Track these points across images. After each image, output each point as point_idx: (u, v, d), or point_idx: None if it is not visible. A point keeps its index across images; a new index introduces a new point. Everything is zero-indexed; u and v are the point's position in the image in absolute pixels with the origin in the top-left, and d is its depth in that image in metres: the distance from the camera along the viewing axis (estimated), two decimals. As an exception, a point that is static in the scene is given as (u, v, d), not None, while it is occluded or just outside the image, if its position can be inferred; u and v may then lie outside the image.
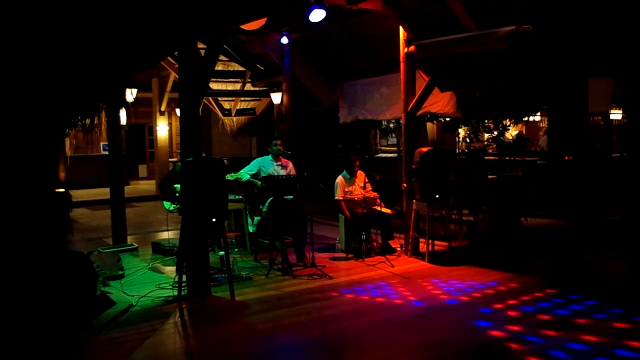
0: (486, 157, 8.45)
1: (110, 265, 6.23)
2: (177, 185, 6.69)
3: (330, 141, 12.14)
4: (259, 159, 7.27)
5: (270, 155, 7.15)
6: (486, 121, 8.29)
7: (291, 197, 6.78)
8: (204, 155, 6.23)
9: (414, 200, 6.81)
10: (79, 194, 13.47)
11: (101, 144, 16.79)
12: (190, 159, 5.23)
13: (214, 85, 13.50)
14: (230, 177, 6.86)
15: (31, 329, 3.91)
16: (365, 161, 7.43)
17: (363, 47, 9.67)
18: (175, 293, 5.35)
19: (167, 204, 7.03)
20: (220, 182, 5.28)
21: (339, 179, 7.16)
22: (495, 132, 8.18)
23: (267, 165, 7.08)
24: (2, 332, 3.74)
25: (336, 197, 7.07)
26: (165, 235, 8.07)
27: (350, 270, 6.37)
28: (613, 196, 8.77)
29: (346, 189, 7.12)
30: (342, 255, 7.00)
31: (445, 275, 6.06)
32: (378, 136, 12.96)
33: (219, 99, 14.41)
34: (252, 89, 13.52)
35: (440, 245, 7.07)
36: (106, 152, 12.81)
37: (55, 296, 4.19)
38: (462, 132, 10.03)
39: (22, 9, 3.87)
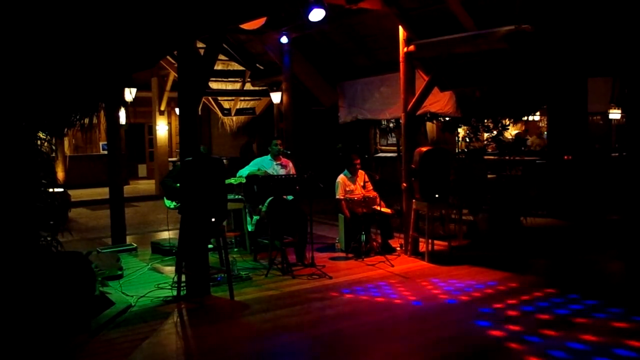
0: (486, 157, 8.45)
1: (109, 265, 6.22)
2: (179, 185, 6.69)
3: (330, 141, 12.14)
4: (258, 159, 7.26)
5: (269, 155, 7.15)
6: (486, 121, 8.29)
7: (291, 197, 6.77)
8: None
9: (414, 200, 6.80)
10: (78, 194, 13.45)
11: (100, 143, 16.78)
12: (190, 158, 5.22)
13: (213, 85, 13.49)
14: (234, 181, 6.86)
15: (27, 329, 3.90)
16: (365, 161, 7.42)
17: (363, 47, 9.66)
18: (175, 293, 5.34)
19: (167, 202, 7.03)
20: (219, 181, 5.27)
21: (341, 177, 7.16)
22: (495, 132, 8.18)
23: (266, 164, 7.07)
24: None
25: (337, 196, 7.07)
26: (164, 235, 8.06)
27: (350, 270, 6.37)
28: (612, 196, 8.78)
29: (347, 188, 7.11)
30: (342, 255, 7.00)
31: (445, 274, 6.06)
32: (378, 136, 12.97)
33: (219, 98, 14.40)
34: (252, 88, 13.52)
35: (440, 244, 7.06)
36: (105, 152, 12.82)
37: (52, 296, 4.18)
38: (461, 131, 10.04)
39: (22, 8, 3.87)
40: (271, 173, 6.88)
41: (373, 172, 8.13)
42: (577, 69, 7.72)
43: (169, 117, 17.12)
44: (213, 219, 5.18)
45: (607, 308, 4.83)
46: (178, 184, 6.71)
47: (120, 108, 9.81)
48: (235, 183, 6.94)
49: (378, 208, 6.95)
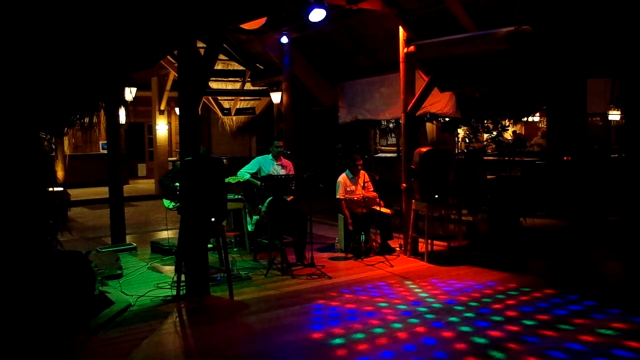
0: (485, 157, 8.46)
1: (109, 264, 6.22)
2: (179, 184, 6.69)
3: (330, 141, 12.15)
4: (260, 157, 7.26)
5: (270, 155, 7.15)
6: (485, 121, 8.30)
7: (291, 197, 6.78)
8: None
9: (413, 200, 6.81)
10: (77, 193, 13.46)
11: (100, 142, 16.79)
12: (190, 158, 5.23)
13: (213, 85, 13.49)
14: (232, 179, 6.87)
15: (27, 328, 3.91)
16: (365, 161, 7.43)
17: (363, 47, 9.67)
18: (174, 293, 5.35)
19: (166, 202, 7.03)
20: (219, 181, 5.27)
21: (342, 177, 7.16)
22: (495, 133, 8.19)
23: (267, 164, 7.08)
24: None
25: (338, 196, 7.07)
26: (164, 234, 8.07)
27: (349, 270, 6.37)
28: (611, 196, 8.79)
29: (348, 188, 7.12)
30: (342, 255, 7.01)
31: (444, 275, 6.06)
32: (377, 136, 12.98)
33: (219, 98, 14.41)
34: (252, 88, 13.53)
35: (439, 245, 7.07)
36: (105, 151, 12.83)
37: (52, 296, 4.18)
38: (461, 132, 10.05)
39: (23, 8, 3.87)
40: (272, 173, 6.89)
41: (373, 172, 8.13)
42: (576, 70, 7.74)
43: (169, 116, 17.13)
44: (213, 219, 5.18)
45: (606, 309, 4.84)
46: (176, 184, 6.72)
47: (120, 107, 9.81)
48: (233, 182, 6.94)
49: (377, 208, 6.96)
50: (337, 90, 11.01)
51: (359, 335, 4.35)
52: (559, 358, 3.90)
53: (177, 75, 9.55)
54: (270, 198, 6.56)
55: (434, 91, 7.31)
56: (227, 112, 14.74)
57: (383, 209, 6.98)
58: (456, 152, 9.92)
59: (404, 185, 6.99)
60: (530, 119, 12.20)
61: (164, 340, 4.37)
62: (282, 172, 6.99)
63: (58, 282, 4.37)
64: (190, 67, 5.46)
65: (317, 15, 6.43)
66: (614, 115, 11.05)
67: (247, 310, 5.03)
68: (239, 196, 7.38)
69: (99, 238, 8.60)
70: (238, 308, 5.11)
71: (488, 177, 8.29)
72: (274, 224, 6.40)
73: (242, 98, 14.51)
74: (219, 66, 12.84)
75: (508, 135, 8.87)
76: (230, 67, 13.24)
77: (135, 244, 7.72)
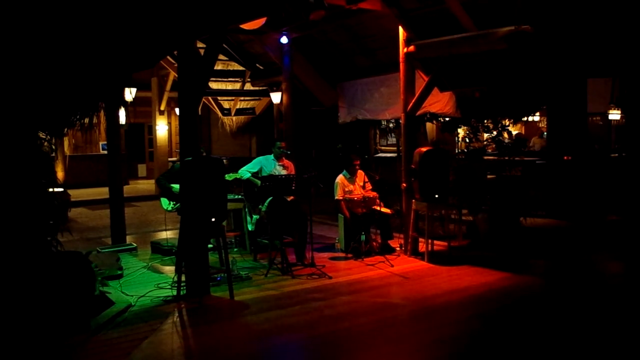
0: (485, 157, 8.46)
1: (109, 265, 6.22)
2: (174, 186, 6.69)
3: (330, 141, 12.15)
4: (261, 157, 7.25)
5: (272, 155, 7.15)
6: (485, 121, 8.30)
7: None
8: (203, 153, 6.21)
9: (414, 200, 6.81)
10: (77, 194, 13.46)
11: (100, 143, 16.78)
12: (190, 158, 5.23)
13: (213, 85, 13.50)
14: (229, 177, 6.86)
15: (27, 328, 3.91)
16: (365, 161, 7.41)
17: (363, 47, 9.68)
18: (174, 293, 5.35)
19: (165, 203, 7.03)
20: (219, 181, 5.27)
21: (340, 178, 7.16)
22: (495, 132, 8.19)
23: (269, 164, 7.07)
24: None
25: (336, 197, 7.07)
26: (164, 234, 8.07)
27: (349, 270, 6.37)
28: (612, 196, 8.79)
29: (346, 189, 7.12)
30: (342, 255, 7.01)
31: (444, 275, 6.07)
32: (378, 136, 12.98)
33: (219, 98, 14.41)
34: (252, 88, 13.53)
35: (439, 245, 7.07)
36: (105, 152, 12.83)
37: (52, 296, 4.19)
38: (461, 132, 10.05)
39: (23, 8, 3.87)
40: (274, 173, 6.89)
41: (373, 172, 8.13)
42: (576, 70, 7.74)
43: (169, 117, 17.12)
44: (213, 219, 5.18)
45: (606, 309, 4.84)
46: (172, 185, 6.71)
47: (120, 108, 9.81)
48: (230, 179, 6.93)
49: (377, 208, 6.96)
50: (337, 90, 11.02)
51: (360, 335, 4.35)
52: (559, 357, 3.90)
53: (177, 75, 9.55)
54: (271, 198, 6.56)
55: (434, 91, 7.31)
56: (227, 112, 14.74)
57: (383, 209, 6.98)
58: (456, 152, 9.92)
59: (404, 185, 6.99)
60: (530, 118, 12.20)
61: (164, 341, 4.37)
62: (284, 172, 6.99)
63: (58, 282, 4.37)
64: (190, 67, 5.46)
65: (316, 15, 6.43)
66: (614, 115, 11.06)
67: (247, 310, 5.03)
68: (239, 196, 7.37)
69: (99, 238, 8.60)
70: (238, 308, 5.11)
71: (488, 176, 8.28)
72: (274, 224, 6.40)
73: (242, 98, 14.52)
74: (219, 66, 12.84)
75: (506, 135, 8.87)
76: (230, 68, 13.24)
77: (135, 244, 7.72)
